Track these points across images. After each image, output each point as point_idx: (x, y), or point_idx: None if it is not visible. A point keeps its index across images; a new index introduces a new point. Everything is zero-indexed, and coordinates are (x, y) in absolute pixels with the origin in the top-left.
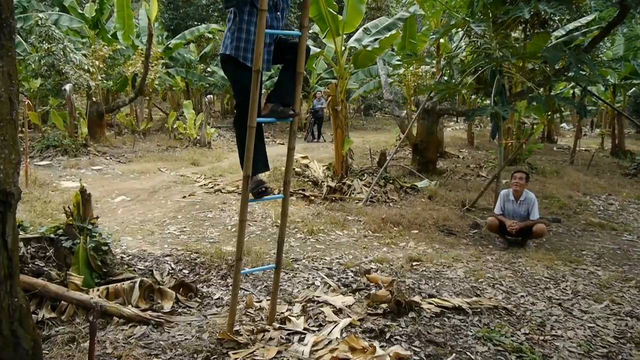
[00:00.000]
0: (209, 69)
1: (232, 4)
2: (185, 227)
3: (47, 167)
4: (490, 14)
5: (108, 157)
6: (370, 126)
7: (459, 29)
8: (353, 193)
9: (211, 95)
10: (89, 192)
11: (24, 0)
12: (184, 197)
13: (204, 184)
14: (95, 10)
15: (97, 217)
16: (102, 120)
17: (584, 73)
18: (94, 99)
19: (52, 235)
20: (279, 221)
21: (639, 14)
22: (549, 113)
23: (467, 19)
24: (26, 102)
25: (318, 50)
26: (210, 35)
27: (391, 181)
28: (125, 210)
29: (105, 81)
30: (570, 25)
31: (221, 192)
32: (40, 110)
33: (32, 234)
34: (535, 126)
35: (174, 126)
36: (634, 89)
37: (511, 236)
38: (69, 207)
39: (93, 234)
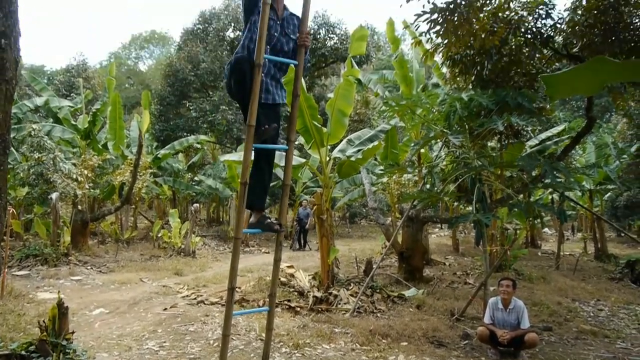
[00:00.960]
0: (196, 178)
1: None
2: (165, 342)
3: (25, 277)
4: (467, 126)
5: (89, 267)
6: (356, 234)
7: (438, 140)
8: (340, 303)
9: (197, 204)
10: (66, 304)
11: (20, 112)
12: (165, 309)
13: (187, 295)
14: (88, 122)
15: (73, 332)
16: (86, 229)
17: (559, 180)
18: (79, 207)
19: (23, 353)
20: (263, 335)
21: (605, 124)
22: (530, 219)
23: (445, 130)
24: (10, 211)
25: (303, 160)
26: (199, 146)
27: (378, 290)
28: (103, 324)
29: (92, 190)
30: (543, 135)
31: (204, 303)
32: (24, 219)
33: (1, 351)
34: (518, 232)
35: (159, 235)
36: (609, 193)
37: (503, 346)
38: (43, 320)
39: (67, 350)
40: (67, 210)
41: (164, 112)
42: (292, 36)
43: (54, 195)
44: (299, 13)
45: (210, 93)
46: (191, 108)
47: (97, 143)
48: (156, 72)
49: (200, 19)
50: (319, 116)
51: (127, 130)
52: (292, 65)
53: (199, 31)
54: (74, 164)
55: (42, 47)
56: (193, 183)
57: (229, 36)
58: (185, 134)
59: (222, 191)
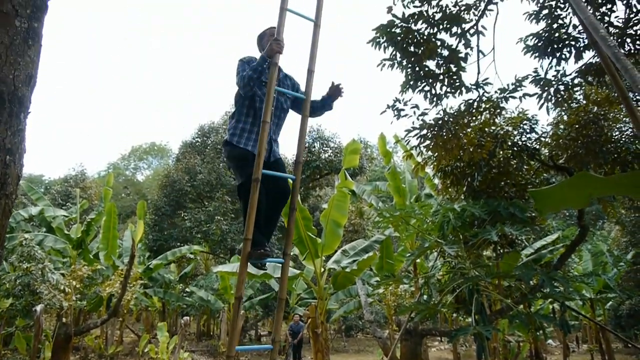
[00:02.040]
0: (187, 289)
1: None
2: None
3: None
4: (461, 236)
5: None
6: (352, 348)
7: (434, 250)
8: None
9: (187, 317)
10: None
11: (13, 221)
12: None
13: None
14: (82, 232)
15: None
16: (68, 344)
17: (558, 290)
18: (64, 319)
19: None
20: None
21: (598, 231)
22: (532, 330)
23: (440, 241)
24: None
25: (298, 271)
26: (192, 256)
27: None
28: None
29: (79, 301)
30: (537, 244)
31: None
32: (4, 332)
33: None
34: (521, 345)
35: (145, 350)
36: (611, 302)
37: None
38: None
39: None
40: (51, 322)
41: (158, 222)
42: (288, 95)
43: (38, 308)
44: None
45: (206, 203)
46: (186, 218)
47: (89, 253)
48: (153, 183)
49: (199, 132)
50: (313, 227)
51: (120, 240)
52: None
53: (197, 144)
54: (63, 274)
55: (42, 157)
56: (184, 295)
57: None
58: (178, 244)
59: (214, 303)
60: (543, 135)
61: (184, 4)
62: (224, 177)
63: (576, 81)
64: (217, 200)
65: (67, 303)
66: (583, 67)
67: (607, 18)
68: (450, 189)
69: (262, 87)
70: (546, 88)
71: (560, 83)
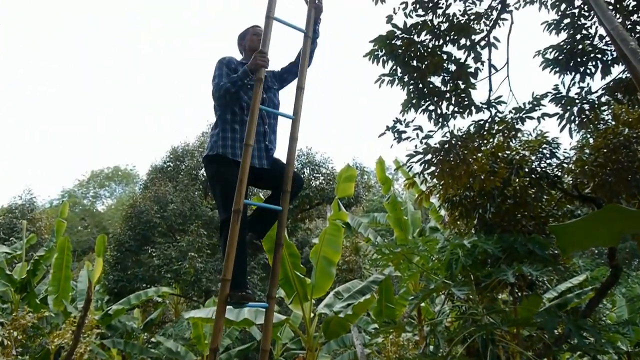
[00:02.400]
0: (153, 339)
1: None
2: None
3: None
4: (472, 277)
5: None
6: None
7: (440, 293)
8: None
9: None
10: None
11: None
12: None
13: None
14: (27, 272)
15: None
16: None
17: (587, 341)
18: None
19: None
20: None
21: (634, 272)
22: None
23: (447, 282)
24: None
25: (283, 317)
26: (160, 300)
27: None
28: None
29: (20, 356)
30: (562, 286)
31: None
32: None
33: None
34: None
35: None
36: None
37: None
38: None
39: None
40: None
41: (121, 259)
42: (274, 87)
43: None
44: None
45: (178, 238)
46: (154, 255)
47: (35, 297)
48: (116, 213)
49: (171, 156)
50: (302, 265)
51: (74, 282)
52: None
53: (169, 169)
54: (2, 324)
55: None
56: (149, 346)
57: (202, 175)
58: (144, 285)
59: (185, 356)
60: (565, 160)
61: (175, 8)
62: (200, 208)
63: (603, 99)
64: (190, 234)
65: (5, 359)
66: (611, 84)
67: (638, 27)
68: (459, 222)
69: (249, 91)
70: (568, 107)
71: (584, 101)
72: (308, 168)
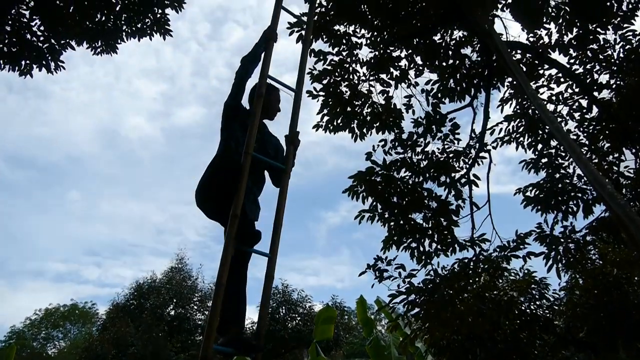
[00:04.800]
0: None
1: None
2: None
3: None
4: None
5: None
6: None
7: None
8: None
9: None
10: None
11: None
12: None
13: None
14: None
15: None
16: None
17: None
18: None
19: None
20: None
21: None
22: None
23: None
24: None
25: None
26: None
27: None
28: None
29: None
30: None
31: None
32: None
33: None
34: None
35: None
36: None
37: None
38: None
39: None
40: None
41: None
42: (269, 151)
43: None
44: None
45: None
46: None
47: None
48: (69, 358)
49: (135, 293)
50: None
51: None
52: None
53: (132, 307)
54: None
55: None
56: None
57: (168, 314)
58: None
59: None
60: (556, 302)
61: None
62: (164, 351)
63: (588, 238)
64: None
65: None
66: (594, 223)
67: (615, 168)
68: None
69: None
70: (554, 246)
71: (569, 241)
72: (284, 307)
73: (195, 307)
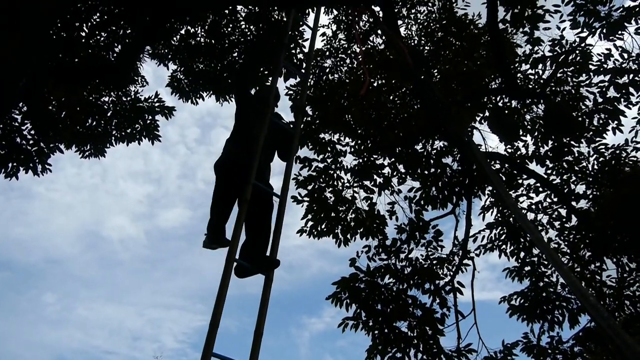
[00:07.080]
0: None
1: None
2: None
3: None
4: None
5: None
6: None
7: None
8: None
9: None
10: None
11: None
12: None
13: None
14: None
15: None
16: None
17: None
18: None
19: None
20: None
21: None
22: None
23: None
24: None
25: None
26: None
27: None
28: None
29: None
30: None
31: None
32: None
33: None
34: None
35: None
36: None
37: None
38: None
39: None
40: None
41: None
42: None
43: None
44: None
45: None
46: None
47: None
48: None
49: None
50: None
51: None
52: None
53: None
54: None
55: None
56: None
57: None
58: None
59: None
60: None
61: None
62: None
63: (576, 349)
64: None
65: None
66: (581, 334)
67: (597, 277)
68: None
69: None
70: (541, 358)
71: (557, 352)
72: None
73: None
